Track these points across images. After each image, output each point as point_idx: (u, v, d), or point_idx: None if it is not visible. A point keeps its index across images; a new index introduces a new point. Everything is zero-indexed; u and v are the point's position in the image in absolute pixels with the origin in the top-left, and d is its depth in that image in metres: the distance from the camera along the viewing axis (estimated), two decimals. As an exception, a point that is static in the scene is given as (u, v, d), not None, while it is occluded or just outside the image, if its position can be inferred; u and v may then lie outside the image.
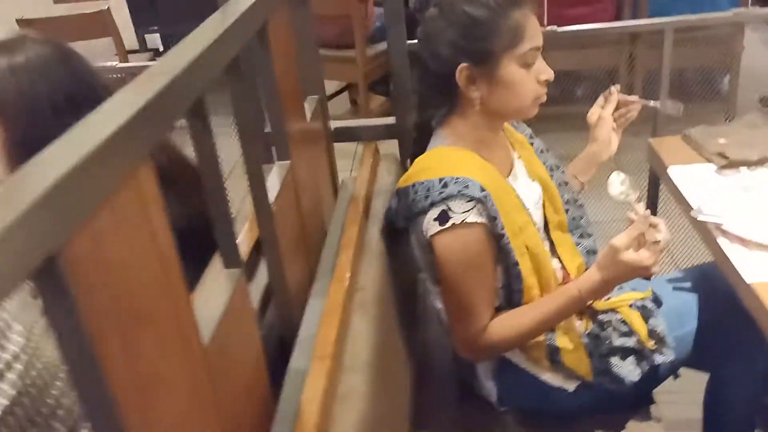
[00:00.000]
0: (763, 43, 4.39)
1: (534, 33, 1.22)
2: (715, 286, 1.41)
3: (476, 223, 1.21)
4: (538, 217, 1.40)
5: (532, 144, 1.48)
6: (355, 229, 1.40)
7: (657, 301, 1.47)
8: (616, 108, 1.49)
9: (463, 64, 1.22)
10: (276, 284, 1.21)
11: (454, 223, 1.21)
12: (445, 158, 1.28)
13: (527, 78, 1.24)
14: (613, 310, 1.41)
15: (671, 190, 1.64)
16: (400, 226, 1.36)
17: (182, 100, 0.71)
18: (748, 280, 1.24)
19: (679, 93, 2.26)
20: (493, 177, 1.27)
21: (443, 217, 1.21)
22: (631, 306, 1.42)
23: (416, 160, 1.32)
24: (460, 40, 1.21)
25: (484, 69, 1.22)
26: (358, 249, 1.35)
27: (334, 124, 1.80)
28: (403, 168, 1.81)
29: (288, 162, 1.32)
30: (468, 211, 1.20)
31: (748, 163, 1.60)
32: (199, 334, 0.73)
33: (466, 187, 1.20)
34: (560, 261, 1.42)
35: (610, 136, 1.49)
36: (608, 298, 1.37)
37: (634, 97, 1.51)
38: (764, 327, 1.18)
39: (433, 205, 1.22)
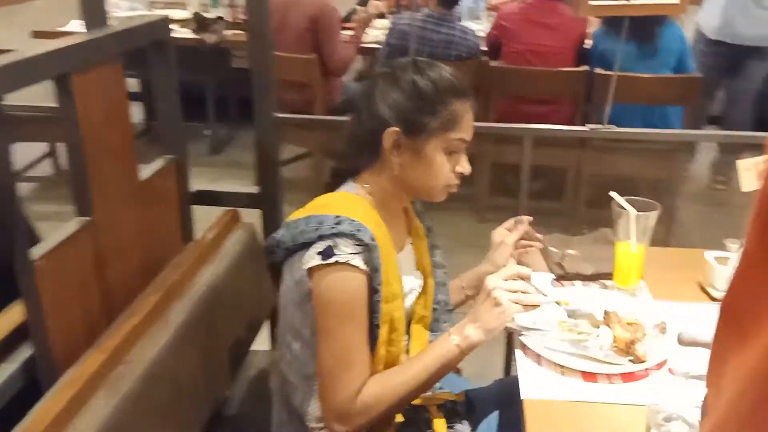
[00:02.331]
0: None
1: (467, 126, 1.28)
2: (515, 400, 1.37)
3: (359, 268, 1.19)
4: (407, 305, 1.39)
5: (427, 237, 1.48)
6: (154, 299, 1.37)
7: (470, 405, 1.44)
8: (521, 238, 1.54)
9: (394, 128, 1.25)
10: (36, 342, 1.18)
11: (337, 261, 1.18)
12: (348, 201, 1.28)
13: (446, 164, 1.28)
14: (423, 407, 1.38)
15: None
16: (276, 260, 1.31)
17: None
18: (522, 395, 1.22)
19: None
20: (385, 237, 1.26)
21: (328, 253, 1.18)
22: (441, 406, 1.40)
23: (318, 197, 1.32)
24: (400, 106, 1.25)
25: (412, 140, 1.25)
26: (148, 319, 1.33)
27: (195, 187, 1.80)
28: (259, 240, 1.80)
29: (88, 218, 1.31)
30: (354, 254, 1.18)
31: (582, 278, 1.58)
32: None
33: (359, 230, 1.19)
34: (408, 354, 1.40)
35: (507, 263, 1.51)
36: None
37: (538, 237, 1.58)
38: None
39: (321, 238, 1.19)
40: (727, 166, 2.11)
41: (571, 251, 1.69)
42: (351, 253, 1.19)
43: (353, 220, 1.21)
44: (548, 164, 3.68)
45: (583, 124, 3.77)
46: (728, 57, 3.87)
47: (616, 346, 1.31)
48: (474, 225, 3.66)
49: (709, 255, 1.55)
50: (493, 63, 3.61)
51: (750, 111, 3.94)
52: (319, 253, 1.20)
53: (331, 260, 1.19)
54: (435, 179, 1.29)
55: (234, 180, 4.20)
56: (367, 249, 1.20)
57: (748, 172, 1.54)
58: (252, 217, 1.87)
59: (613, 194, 1.46)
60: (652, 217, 1.44)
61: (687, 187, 3.66)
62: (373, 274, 1.22)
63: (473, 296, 1.60)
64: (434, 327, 1.46)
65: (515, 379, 1.39)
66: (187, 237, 1.77)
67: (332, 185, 1.37)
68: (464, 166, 1.31)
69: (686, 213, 3.70)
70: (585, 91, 3.54)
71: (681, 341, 1.25)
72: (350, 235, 1.19)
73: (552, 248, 1.61)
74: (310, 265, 1.21)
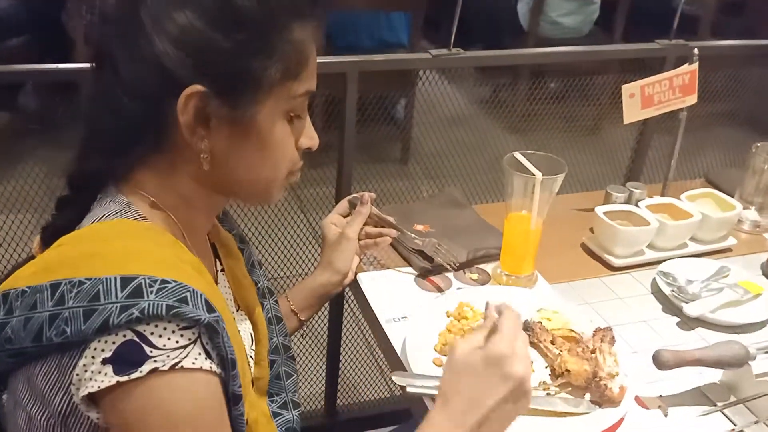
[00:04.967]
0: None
1: (313, 70, 0.74)
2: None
3: (201, 369, 0.61)
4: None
5: (242, 251, 0.92)
6: None
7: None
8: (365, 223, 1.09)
9: (197, 87, 0.65)
10: None
11: (157, 369, 0.58)
12: (132, 240, 0.67)
13: (290, 139, 0.74)
14: None
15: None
16: None
17: None
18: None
19: (361, 117, 1.84)
20: (214, 290, 0.72)
21: (130, 357, 0.58)
22: None
23: (65, 237, 0.68)
24: (202, 43, 0.66)
25: (231, 106, 0.68)
26: None
27: None
28: None
29: None
30: (185, 347, 0.60)
31: (454, 268, 1.12)
32: None
33: (182, 299, 0.60)
34: None
35: (352, 263, 1.08)
36: None
37: (390, 220, 1.10)
38: None
39: (106, 329, 0.58)
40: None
41: (420, 227, 1.23)
42: (179, 347, 0.59)
43: (165, 280, 0.60)
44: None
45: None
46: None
47: (566, 383, 0.89)
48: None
49: (600, 211, 1.20)
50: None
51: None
52: (108, 361, 0.58)
53: (141, 372, 0.58)
54: (276, 168, 0.74)
55: None
56: (209, 329, 0.61)
57: (633, 98, 1.20)
58: None
59: (516, 155, 1.01)
60: (559, 179, 1.02)
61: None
62: (227, 373, 0.63)
63: (308, 319, 1.08)
64: (273, 387, 0.93)
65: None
66: None
67: (72, 205, 0.72)
68: (311, 136, 0.78)
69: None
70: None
71: (663, 364, 0.87)
72: (171, 314, 0.59)
73: (410, 232, 1.12)
74: (95, 388, 0.58)
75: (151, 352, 0.58)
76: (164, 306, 0.58)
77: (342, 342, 1.50)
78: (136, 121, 0.67)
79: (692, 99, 1.22)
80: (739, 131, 3.17)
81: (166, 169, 0.71)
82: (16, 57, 3.12)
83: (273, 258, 1.65)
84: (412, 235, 1.12)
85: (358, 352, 1.73)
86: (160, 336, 0.59)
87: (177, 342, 0.59)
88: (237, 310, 0.88)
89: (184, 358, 0.59)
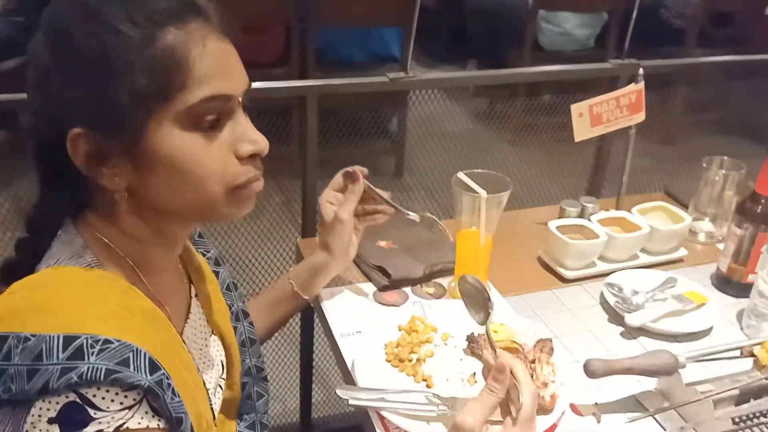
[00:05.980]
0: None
1: (208, 73, 0.67)
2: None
3: (147, 429, 0.62)
4: (215, 408, 0.84)
5: (216, 274, 0.93)
6: None
7: None
8: (361, 201, 1.09)
9: (75, 129, 0.65)
10: None
11: (102, 431, 0.59)
12: (80, 294, 0.66)
13: (209, 150, 0.68)
14: None
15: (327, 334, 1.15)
16: None
17: None
18: None
19: (354, 131, 1.89)
20: (168, 338, 0.71)
21: (74, 418, 0.59)
22: None
23: (17, 284, 0.68)
24: (64, 80, 0.66)
25: (116, 138, 0.66)
26: None
27: None
28: None
29: None
30: (130, 407, 0.61)
31: (410, 282, 1.17)
32: None
33: (124, 361, 0.60)
34: None
35: (350, 243, 1.10)
36: None
37: (383, 195, 1.11)
38: None
39: (47, 391, 0.59)
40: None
41: (383, 243, 1.28)
42: (123, 408, 0.61)
43: (108, 340, 0.61)
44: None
45: (300, 54, 3.44)
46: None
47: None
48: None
49: (553, 225, 1.25)
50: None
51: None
52: (54, 420, 0.59)
53: None
54: (201, 186, 0.69)
55: None
56: (149, 392, 0.62)
57: (582, 117, 1.24)
58: None
59: (460, 175, 1.06)
60: (505, 197, 1.07)
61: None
62: (173, 428, 0.65)
63: (312, 298, 1.14)
64: (244, 408, 0.94)
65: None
66: None
67: (29, 250, 0.74)
68: (253, 140, 0.71)
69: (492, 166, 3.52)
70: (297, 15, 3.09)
71: (593, 373, 0.92)
72: (111, 379, 0.60)
73: (402, 209, 1.12)
74: None
75: (95, 414, 0.59)
76: (103, 370, 0.59)
77: (315, 353, 1.54)
78: (56, 170, 0.69)
79: (640, 117, 1.27)
80: (721, 141, 3.21)
81: (107, 210, 0.71)
82: (17, 77, 3.20)
83: (255, 272, 1.69)
84: (405, 210, 1.12)
85: (331, 363, 1.78)
86: (103, 398, 0.60)
87: (121, 403, 0.60)
88: (210, 335, 0.88)
89: (129, 419, 0.60)
